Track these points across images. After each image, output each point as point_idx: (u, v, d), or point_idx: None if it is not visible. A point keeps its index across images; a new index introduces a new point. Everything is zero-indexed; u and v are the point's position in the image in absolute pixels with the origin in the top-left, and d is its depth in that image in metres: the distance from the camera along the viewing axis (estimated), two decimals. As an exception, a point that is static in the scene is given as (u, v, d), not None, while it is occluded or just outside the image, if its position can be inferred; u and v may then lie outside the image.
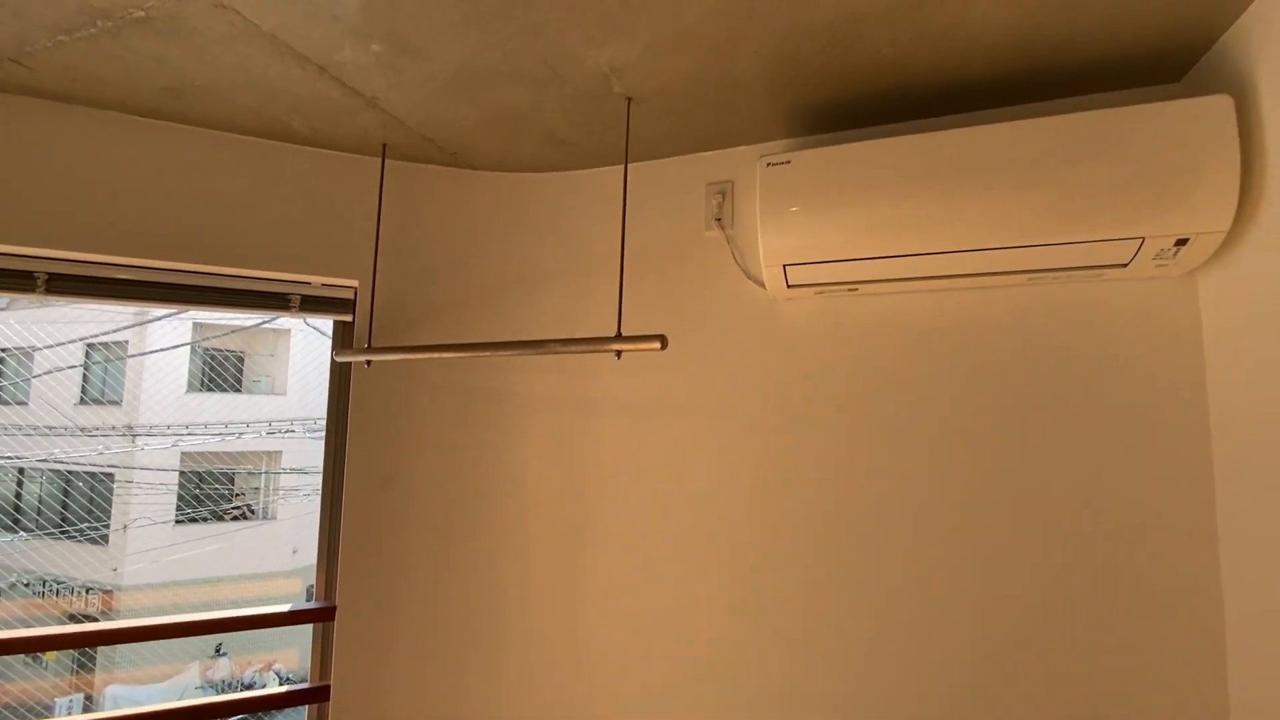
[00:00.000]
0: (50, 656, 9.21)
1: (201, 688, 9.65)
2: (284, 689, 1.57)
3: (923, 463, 1.40)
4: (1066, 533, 1.29)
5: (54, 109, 1.45)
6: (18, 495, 10.58)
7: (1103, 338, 1.30)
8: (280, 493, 11.06)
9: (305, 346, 11.89)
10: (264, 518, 11.41)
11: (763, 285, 1.55)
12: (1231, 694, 1.16)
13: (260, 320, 11.33)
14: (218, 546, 10.12)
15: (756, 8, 1.11)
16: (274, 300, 1.69)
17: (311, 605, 1.60)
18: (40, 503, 10.42)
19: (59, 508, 10.19)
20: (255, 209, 1.62)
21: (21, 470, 10.45)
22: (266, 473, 11.31)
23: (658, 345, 1.25)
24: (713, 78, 1.32)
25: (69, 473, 10.47)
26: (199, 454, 10.87)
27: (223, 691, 9.24)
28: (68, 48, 1.25)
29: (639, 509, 1.62)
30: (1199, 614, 1.20)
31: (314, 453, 10.52)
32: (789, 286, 1.43)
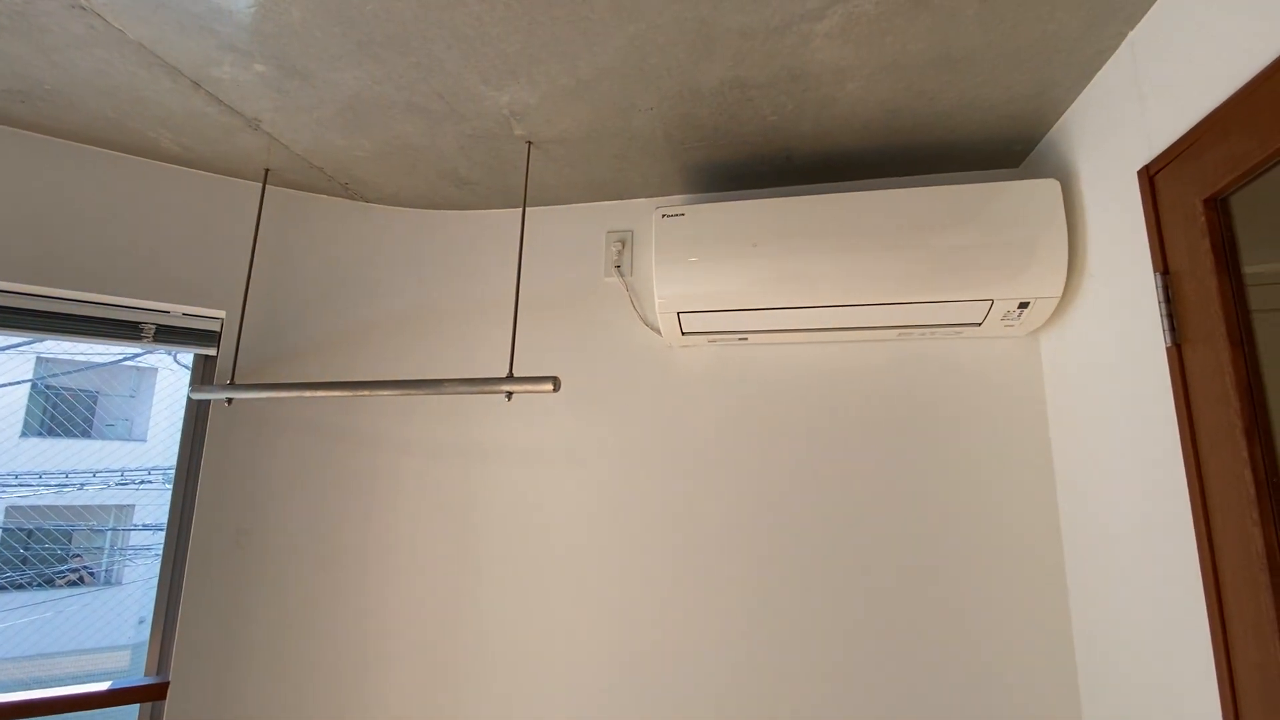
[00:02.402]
0: None
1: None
2: (93, 785, 1.32)
3: (804, 501, 1.44)
4: (927, 562, 1.35)
5: None
6: None
7: (962, 387, 1.41)
8: (129, 553, 9.76)
9: (172, 387, 10.78)
10: (106, 583, 9.96)
11: (658, 331, 1.57)
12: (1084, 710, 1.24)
13: (119, 356, 10.21)
14: (43, 616, 8.70)
15: (649, 70, 1.16)
16: (124, 329, 1.52)
17: (139, 682, 1.37)
18: None
19: None
20: (110, 228, 1.47)
21: None
22: (113, 529, 9.97)
23: (550, 387, 1.23)
24: (611, 130, 1.36)
25: None
26: (29, 509, 9.43)
27: None
28: (-119, 33, 1.10)
29: (522, 556, 1.55)
30: (1049, 638, 1.28)
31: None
32: (683, 334, 1.46)
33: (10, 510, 9.14)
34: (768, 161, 1.48)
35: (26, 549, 9.08)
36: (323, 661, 1.50)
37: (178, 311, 1.55)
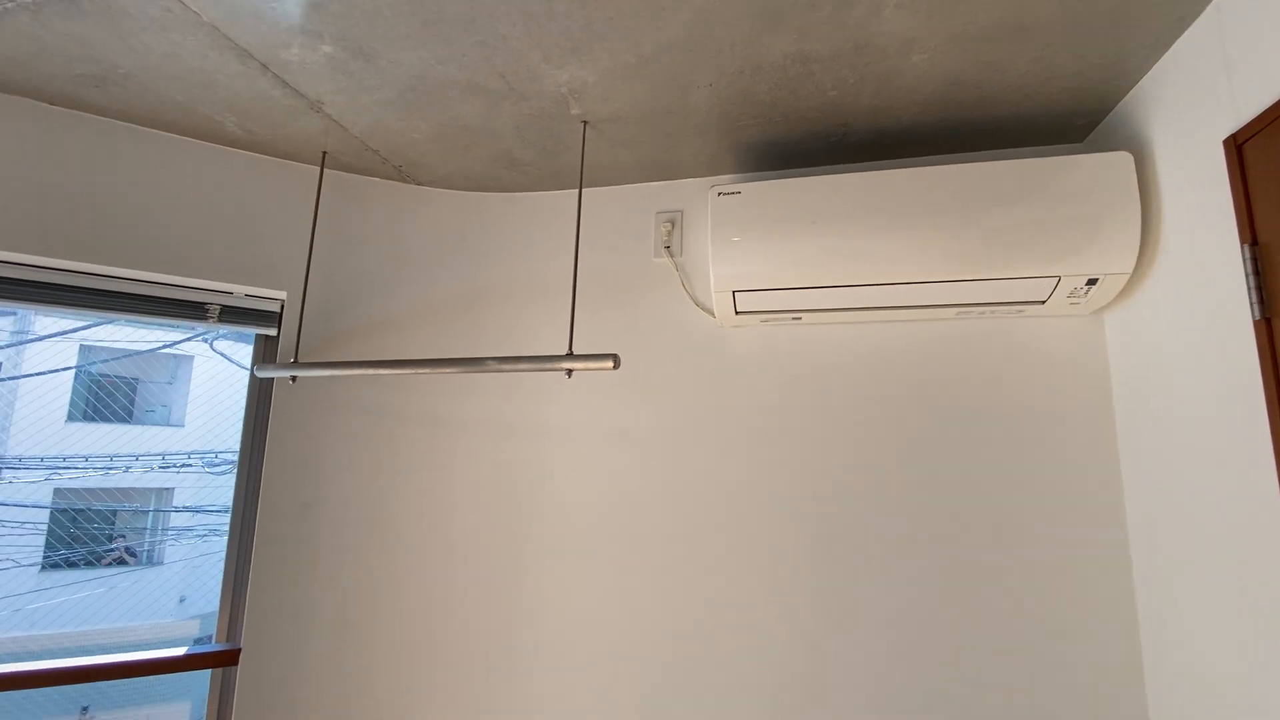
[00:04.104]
0: None
1: (58, 761, 8.44)
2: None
3: (858, 483, 1.43)
4: (987, 549, 1.34)
5: (-54, 88, 1.31)
6: None
7: (1022, 369, 1.39)
8: (171, 533, 10.09)
9: (209, 374, 11.07)
10: (148, 562, 10.32)
11: (711, 313, 1.57)
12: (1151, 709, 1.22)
13: (158, 344, 10.50)
14: (91, 594, 9.05)
15: (713, 45, 1.15)
16: (191, 309, 1.56)
17: (213, 648, 1.43)
18: None
19: (-105, 551, 8.86)
20: (177, 211, 1.51)
21: None
22: (155, 511, 10.31)
23: (610, 364, 1.24)
24: (667, 108, 1.36)
25: (-88, 511, 9.17)
26: (75, 490, 9.80)
27: None
28: (-28, 20, 1.14)
29: (577, 537, 1.57)
30: (1114, 630, 1.26)
31: (212, 489, 9.67)
32: (737, 313, 1.46)
33: (59, 492, 9.50)
34: (822, 139, 1.47)
35: (75, 528, 9.43)
36: (384, 628, 1.54)
37: (240, 292, 1.60)
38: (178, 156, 1.51)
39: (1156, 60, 1.16)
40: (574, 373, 1.31)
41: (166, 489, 10.58)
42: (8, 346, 9.70)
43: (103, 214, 1.43)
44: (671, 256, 1.63)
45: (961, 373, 1.42)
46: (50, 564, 9.21)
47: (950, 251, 1.27)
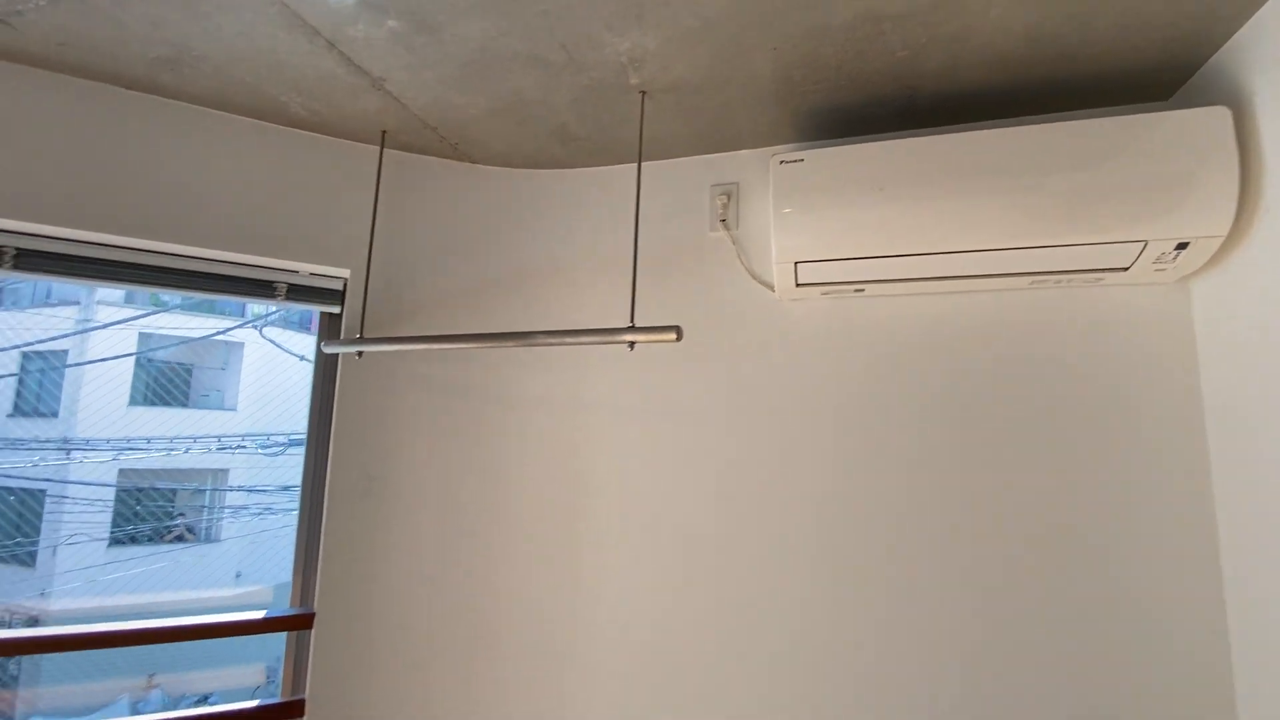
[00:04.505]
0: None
1: (130, 723, 8.95)
2: (255, 704, 1.46)
3: (925, 463, 1.40)
4: (1066, 533, 1.30)
5: (38, 76, 1.37)
6: (-67, 513, 9.81)
7: (1101, 341, 1.34)
8: (227, 512, 10.54)
9: (259, 360, 11.46)
10: (206, 539, 10.82)
11: (769, 287, 1.55)
12: (1239, 693, 1.18)
13: (212, 331, 10.90)
14: (155, 568, 9.53)
15: (780, 6, 1.12)
16: (260, 288, 1.61)
17: (290, 612, 1.49)
18: (-39, 519, 9.68)
19: (-19, 526, 9.48)
20: (245, 192, 1.55)
21: (-58, 484, 9.70)
22: (212, 490, 10.77)
23: (673, 336, 1.24)
24: (727, 74, 1.33)
25: (-5, 488, 9.77)
26: (138, 470, 10.30)
27: None
28: (61, 6, 1.18)
29: (638, 514, 1.58)
30: (1201, 618, 1.22)
31: (265, 470, 10.04)
32: (797, 286, 1.44)
33: (123, 472, 10.01)
34: (887, 104, 1.42)
35: (139, 506, 9.94)
36: (449, 595, 1.59)
37: (305, 271, 1.64)
38: (245, 138, 1.55)
39: (1260, 5, 1.09)
40: (635, 346, 1.30)
41: (222, 470, 11.06)
42: (73, 334, 10.21)
43: (176, 195, 1.48)
44: (727, 230, 1.61)
45: (1034, 345, 1.38)
46: (116, 540, 9.74)
47: (1026, 216, 1.22)
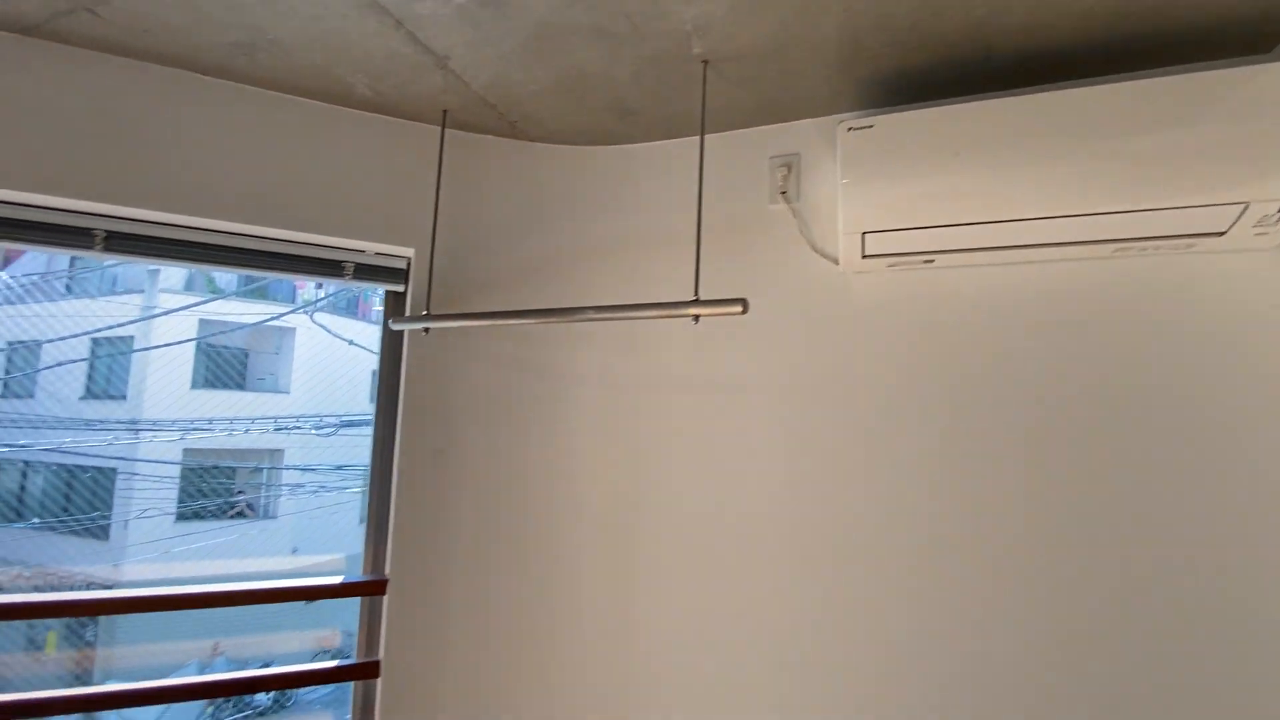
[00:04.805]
0: (50, 649, 9.11)
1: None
2: (333, 664, 1.53)
3: (1002, 445, 1.36)
4: (1154, 525, 1.25)
5: (121, 64, 1.43)
6: (22, 487, 10.52)
7: (1192, 313, 1.27)
8: (284, 489, 10.99)
9: (310, 344, 11.86)
10: (264, 515, 11.32)
11: (832, 260, 1.52)
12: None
13: (266, 317, 11.31)
14: (218, 541, 10.03)
15: (855, -38, 1.09)
16: (329, 267, 1.66)
17: (364, 578, 1.56)
18: (44, 495, 10.36)
19: (62, 500, 10.13)
20: (313, 174, 1.59)
21: (26, 462, 10.39)
22: (269, 468, 11.25)
23: (739, 309, 1.23)
24: (793, 40, 1.30)
25: (72, 466, 10.41)
26: (201, 450, 10.81)
27: (221, 703, 9.01)
28: (145, -7, 1.23)
29: (696, 490, 1.59)
30: (1295, 593, 1.16)
31: (318, 450, 10.41)
32: (864, 257, 1.41)
33: (188, 451, 10.54)
34: (960, 66, 1.37)
35: (202, 483, 10.46)
36: (514, 566, 1.63)
37: (371, 250, 1.68)
38: (313, 122, 1.59)
39: (1385, -57, 1.00)
40: (698, 320, 1.30)
41: (278, 449, 11.53)
42: (139, 320, 10.73)
43: (250, 178, 1.53)
44: (788, 202, 1.58)
45: (1118, 318, 1.32)
46: (183, 515, 10.29)
47: (1111, 179, 1.16)
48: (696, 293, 1.30)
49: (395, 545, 1.56)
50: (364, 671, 1.52)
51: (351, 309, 12.16)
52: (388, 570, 1.56)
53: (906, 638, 1.38)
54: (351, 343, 10.21)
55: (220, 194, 1.50)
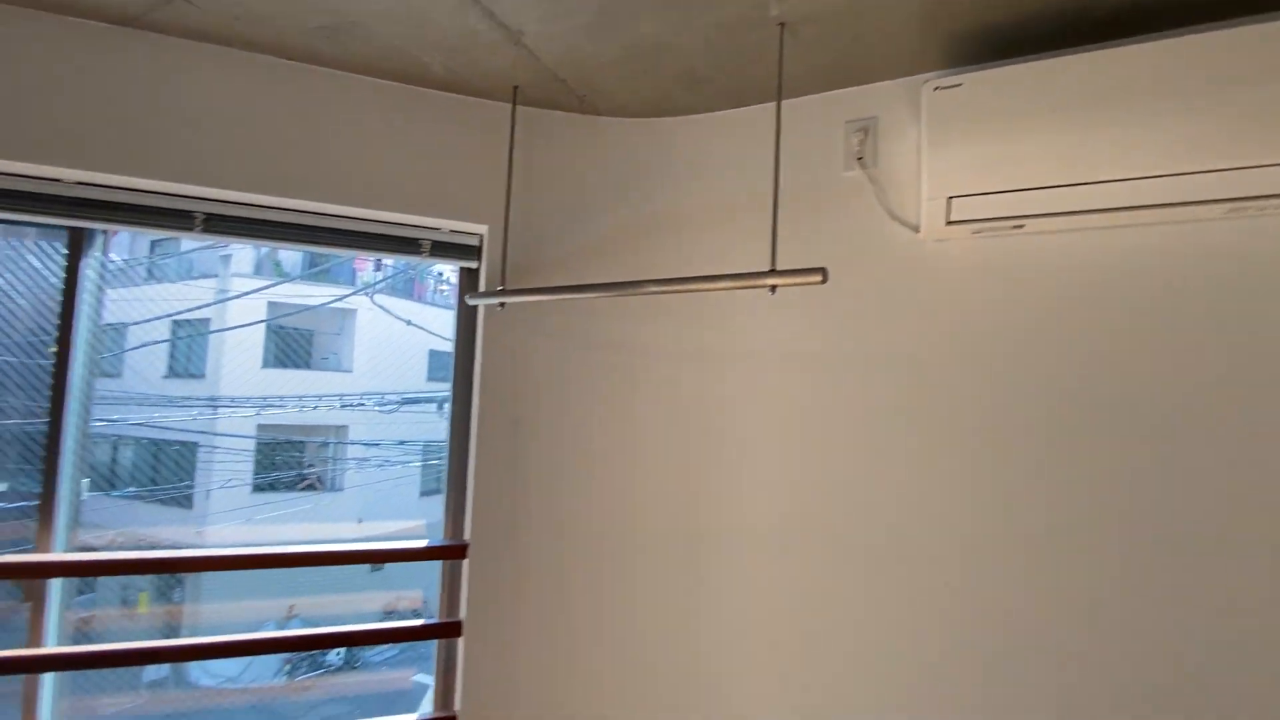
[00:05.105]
0: (142, 607, 9.88)
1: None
2: (418, 622, 1.62)
3: (1099, 425, 1.29)
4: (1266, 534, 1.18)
5: (214, 53, 1.50)
6: (114, 459, 11.36)
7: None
8: (350, 464, 11.53)
9: (370, 325, 12.30)
10: (331, 488, 11.90)
11: (911, 227, 1.48)
12: None
13: (330, 299, 11.78)
14: (293, 511, 10.62)
15: (948, -91, 1.04)
16: (407, 245, 1.71)
17: (447, 542, 1.63)
18: (134, 466, 11.17)
19: (150, 471, 10.89)
20: (392, 154, 1.64)
21: (118, 436, 11.20)
22: (335, 443, 11.79)
23: (818, 278, 1.21)
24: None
25: (159, 440, 11.16)
26: (273, 426, 11.41)
27: (301, 661, 9.60)
28: (240, -19, 1.28)
29: (768, 464, 1.59)
30: None
31: (381, 425, 10.86)
32: (947, 223, 1.36)
33: (261, 427, 11.17)
34: (1056, 19, 1.29)
35: (275, 457, 11.07)
36: (590, 532, 1.68)
37: (446, 228, 1.72)
38: (391, 102, 1.63)
39: None
40: (775, 291, 1.28)
41: (343, 425, 12.08)
42: (213, 304, 11.35)
43: (333, 159, 1.59)
44: (864, 168, 1.54)
45: (1228, 283, 1.23)
46: (258, 486, 10.94)
47: (1226, 132, 1.09)
48: (773, 263, 1.28)
49: (475, 512, 1.63)
50: (448, 630, 1.60)
51: (408, 291, 12.54)
52: (467, 535, 1.63)
53: (1020, 633, 1.33)
54: (409, 323, 10.54)
55: (307, 176, 1.56)
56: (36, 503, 1.46)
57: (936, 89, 1.26)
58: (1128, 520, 1.26)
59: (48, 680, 1.46)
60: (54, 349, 1.48)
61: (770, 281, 1.25)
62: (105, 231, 1.56)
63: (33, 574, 1.41)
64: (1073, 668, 1.27)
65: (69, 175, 1.43)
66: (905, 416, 1.46)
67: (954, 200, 1.29)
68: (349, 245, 1.67)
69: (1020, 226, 1.34)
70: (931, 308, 1.45)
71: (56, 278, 1.52)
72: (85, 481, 1.57)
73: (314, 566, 1.53)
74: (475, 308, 1.73)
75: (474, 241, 1.75)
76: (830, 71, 1.53)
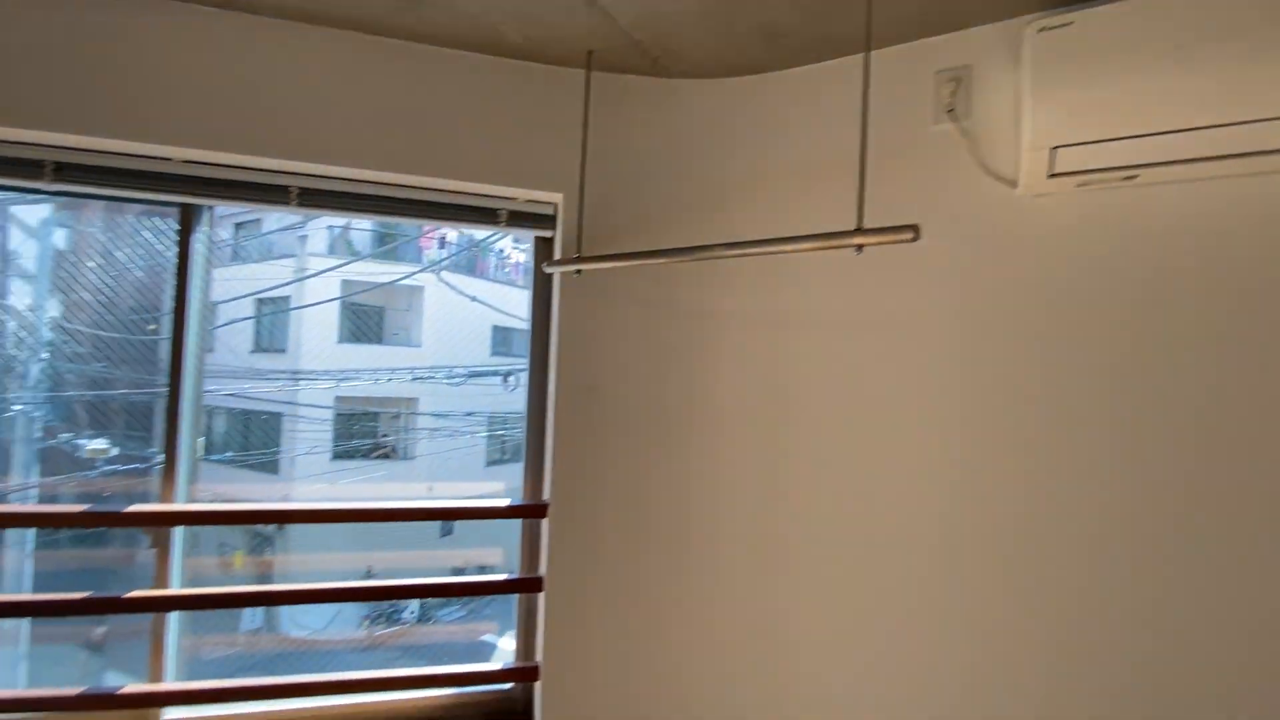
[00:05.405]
0: (238, 562, 10.74)
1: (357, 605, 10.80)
2: (502, 577, 1.69)
3: (1222, 400, 1.20)
4: None
5: (301, 30, 1.55)
6: (208, 427, 12.28)
7: None
8: (423, 433, 12.07)
9: (437, 302, 12.73)
10: (404, 456, 12.52)
11: (1007, 182, 1.40)
12: None
13: (399, 276, 12.24)
14: (369, 477, 11.23)
15: None
16: (485, 215, 1.75)
17: (528, 502, 1.70)
18: (226, 434, 12.05)
19: (241, 438, 11.72)
20: (470, 124, 1.66)
21: (212, 407, 12.09)
22: (407, 414, 12.33)
23: (909, 235, 1.16)
24: (978, -67, 1.17)
25: (248, 410, 11.97)
26: (350, 398, 12.04)
27: (378, 617, 10.22)
28: (329, -45, 1.31)
29: (849, 432, 1.56)
30: None
31: (449, 398, 11.30)
32: (1050, 176, 1.28)
33: (339, 399, 11.82)
34: (1182, -56, 1.17)
35: (353, 427, 11.71)
36: (665, 499, 1.71)
37: (522, 198, 1.75)
38: (469, 72, 1.66)
39: None
40: (861, 250, 1.24)
41: (413, 398, 12.64)
42: (292, 282, 11.99)
43: (414, 131, 1.62)
44: (955, 121, 1.46)
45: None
46: (337, 454, 11.63)
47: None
48: (860, 221, 1.24)
49: (554, 474, 1.67)
50: (530, 585, 1.66)
51: (471, 268, 12.89)
52: (546, 496, 1.68)
53: (1176, 637, 1.25)
54: (474, 299, 10.83)
55: (392, 148, 1.61)
56: (143, 465, 1.60)
57: (1042, 29, 1.17)
58: (1261, 502, 1.17)
59: (173, 619, 1.61)
60: (153, 326, 1.60)
61: (857, 241, 1.21)
62: (211, 208, 1.66)
63: (161, 522, 1.55)
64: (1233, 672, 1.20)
65: (179, 154, 1.52)
66: (1001, 389, 1.39)
67: (1059, 150, 1.21)
68: (430, 216, 1.72)
69: (1133, 177, 1.25)
70: (1030, 269, 1.37)
71: (163, 256, 1.64)
72: (200, 440, 1.71)
73: (403, 521, 1.61)
74: (551, 276, 1.75)
75: (549, 210, 1.77)
76: (920, 18, 1.45)
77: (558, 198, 1.74)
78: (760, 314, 1.66)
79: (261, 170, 1.59)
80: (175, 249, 1.62)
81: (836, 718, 1.53)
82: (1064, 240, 1.35)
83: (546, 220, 1.77)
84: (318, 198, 1.64)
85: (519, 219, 1.76)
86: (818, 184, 1.59)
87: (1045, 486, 1.34)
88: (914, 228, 1.15)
